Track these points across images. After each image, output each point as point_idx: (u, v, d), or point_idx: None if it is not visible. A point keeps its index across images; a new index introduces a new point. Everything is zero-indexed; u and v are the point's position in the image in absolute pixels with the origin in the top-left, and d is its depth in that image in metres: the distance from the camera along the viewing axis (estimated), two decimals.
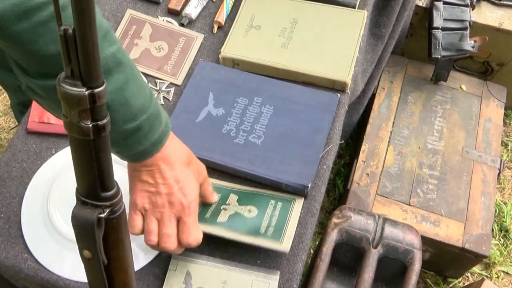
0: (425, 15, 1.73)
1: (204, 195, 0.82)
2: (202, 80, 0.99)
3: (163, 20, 1.09)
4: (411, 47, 1.88)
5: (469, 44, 1.56)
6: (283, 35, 1.04)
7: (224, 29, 1.09)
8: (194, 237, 0.75)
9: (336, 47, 1.02)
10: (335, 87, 0.99)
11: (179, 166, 0.74)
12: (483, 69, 1.91)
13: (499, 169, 1.54)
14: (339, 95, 0.98)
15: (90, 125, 0.46)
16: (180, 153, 0.75)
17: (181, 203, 0.73)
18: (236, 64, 1.02)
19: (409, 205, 1.45)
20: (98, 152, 0.48)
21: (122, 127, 0.67)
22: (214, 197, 0.85)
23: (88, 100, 0.44)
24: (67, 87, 0.44)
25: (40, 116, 0.93)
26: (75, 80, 0.45)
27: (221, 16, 1.09)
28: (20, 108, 1.44)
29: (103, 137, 0.48)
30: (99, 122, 0.46)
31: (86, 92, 0.44)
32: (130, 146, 0.70)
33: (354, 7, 1.09)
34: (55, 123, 0.93)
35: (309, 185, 0.86)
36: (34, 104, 0.95)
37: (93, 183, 0.50)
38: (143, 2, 1.13)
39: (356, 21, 1.06)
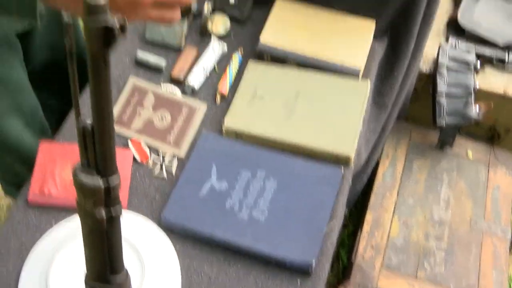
0: (429, 80, 1.80)
1: None
2: (205, 152, 1.05)
3: (166, 89, 1.15)
4: (415, 112, 1.93)
5: (474, 111, 1.61)
6: (286, 106, 1.10)
7: (228, 99, 1.15)
8: None
9: (339, 120, 1.08)
10: (339, 161, 1.04)
11: None
12: (489, 134, 1.96)
13: (511, 241, 1.56)
14: (342, 169, 1.02)
15: (104, 214, 0.50)
16: None
17: None
18: (239, 136, 1.07)
19: (416, 278, 1.47)
20: (110, 238, 0.53)
21: None
22: None
23: (103, 192, 0.49)
24: (83, 178, 0.49)
25: (41, 187, 0.98)
26: (91, 169, 0.50)
27: (224, 87, 1.15)
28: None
29: (116, 223, 0.52)
30: (112, 212, 0.51)
31: (102, 186, 0.49)
32: None
33: (357, 75, 1.16)
34: (56, 195, 0.97)
35: (313, 262, 0.89)
36: (35, 175, 0.99)
37: (103, 266, 0.55)
38: (146, 70, 1.19)
39: (360, 92, 1.13)
